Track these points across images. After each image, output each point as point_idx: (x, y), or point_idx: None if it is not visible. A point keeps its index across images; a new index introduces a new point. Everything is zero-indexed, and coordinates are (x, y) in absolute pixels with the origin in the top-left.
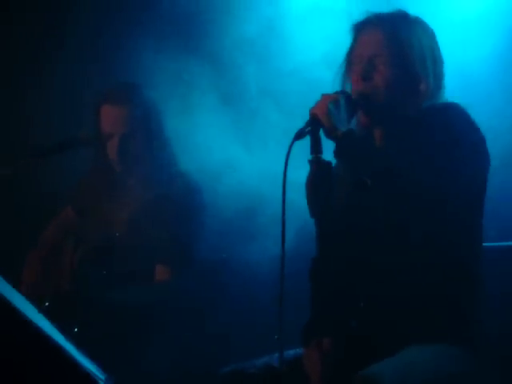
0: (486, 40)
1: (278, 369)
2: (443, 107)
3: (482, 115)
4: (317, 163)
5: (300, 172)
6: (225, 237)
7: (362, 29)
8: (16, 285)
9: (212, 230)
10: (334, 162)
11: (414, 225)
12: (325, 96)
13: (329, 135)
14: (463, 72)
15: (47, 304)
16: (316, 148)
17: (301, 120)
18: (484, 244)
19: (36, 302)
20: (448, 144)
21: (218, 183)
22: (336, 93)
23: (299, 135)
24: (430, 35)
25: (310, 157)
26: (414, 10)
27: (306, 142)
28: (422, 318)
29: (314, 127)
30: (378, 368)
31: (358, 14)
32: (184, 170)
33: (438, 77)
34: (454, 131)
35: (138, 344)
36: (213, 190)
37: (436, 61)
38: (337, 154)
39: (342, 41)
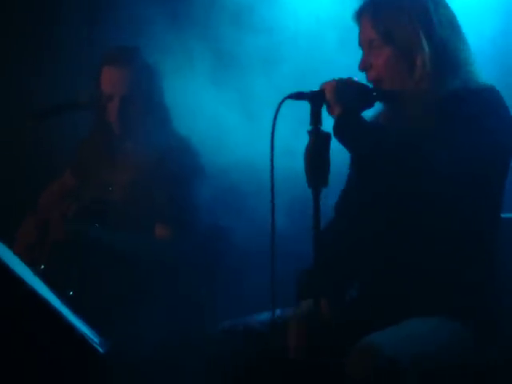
0: (485, 25)
1: (282, 323)
2: (474, 90)
3: None
4: (316, 134)
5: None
6: (222, 206)
7: (359, 17)
8: (12, 247)
9: (209, 198)
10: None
11: (419, 203)
12: (343, 78)
13: (329, 111)
14: None
15: (43, 267)
16: (315, 119)
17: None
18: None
19: (31, 264)
20: (471, 125)
21: (217, 153)
22: (356, 80)
23: (293, 96)
24: (428, 2)
25: (309, 128)
26: None
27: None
28: (426, 289)
29: (317, 99)
30: (377, 338)
31: None
32: (182, 134)
33: (439, 43)
34: (481, 115)
35: (133, 305)
36: (211, 160)
37: (433, 26)
38: (334, 131)
39: (336, 9)
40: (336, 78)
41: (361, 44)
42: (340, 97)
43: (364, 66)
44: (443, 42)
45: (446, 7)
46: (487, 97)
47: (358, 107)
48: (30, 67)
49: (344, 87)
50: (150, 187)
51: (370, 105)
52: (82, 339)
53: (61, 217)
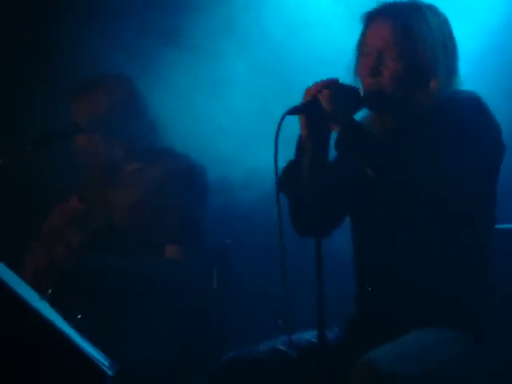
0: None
1: (285, 352)
2: (458, 100)
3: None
4: None
5: None
6: (229, 222)
7: (372, 20)
8: (19, 273)
9: (217, 215)
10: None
11: (417, 216)
12: (329, 80)
13: (329, 121)
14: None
15: (50, 291)
16: (312, 131)
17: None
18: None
19: (39, 289)
20: (458, 138)
21: (221, 168)
22: (344, 83)
23: (293, 111)
24: (443, 24)
25: None
26: None
27: None
28: (427, 301)
29: (312, 109)
30: (376, 353)
31: None
32: (185, 151)
33: (450, 68)
34: (466, 126)
35: (140, 328)
36: (215, 176)
37: (448, 51)
38: (337, 144)
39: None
40: (325, 85)
41: (368, 47)
42: (338, 104)
43: (373, 73)
44: (454, 63)
45: (453, 36)
46: (472, 104)
47: (354, 111)
48: (29, 91)
49: (338, 92)
50: (156, 207)
51: (361, 106)
52: (91, 362)
53: (65, 247)
